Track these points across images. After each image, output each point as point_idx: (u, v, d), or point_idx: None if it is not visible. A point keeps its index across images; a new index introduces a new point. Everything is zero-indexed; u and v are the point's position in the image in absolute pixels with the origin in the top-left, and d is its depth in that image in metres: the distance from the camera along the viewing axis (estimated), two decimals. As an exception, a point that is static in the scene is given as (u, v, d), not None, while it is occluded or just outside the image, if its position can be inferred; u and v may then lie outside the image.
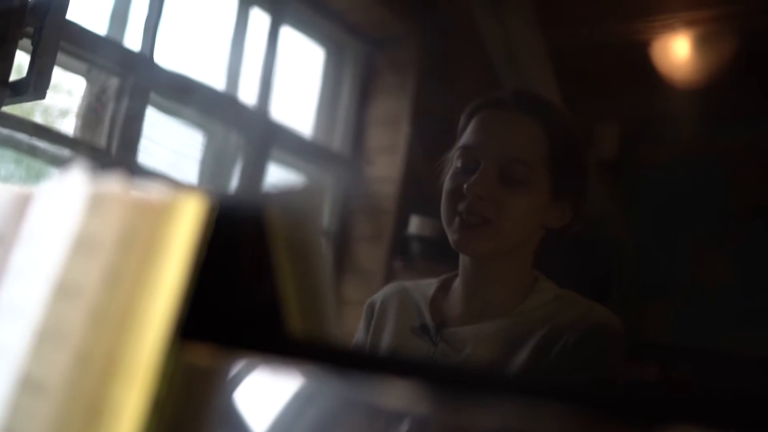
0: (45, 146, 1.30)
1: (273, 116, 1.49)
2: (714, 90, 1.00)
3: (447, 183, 0.88)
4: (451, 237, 0.86)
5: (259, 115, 1.50)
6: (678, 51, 1.01)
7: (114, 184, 0.40)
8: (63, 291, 0.39)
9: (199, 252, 0.38)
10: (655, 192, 1.07)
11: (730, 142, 0.99)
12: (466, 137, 0.89)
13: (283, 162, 1.53)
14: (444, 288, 0.91)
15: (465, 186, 0.84)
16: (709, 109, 1.01)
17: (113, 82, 1.35)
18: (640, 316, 0.94)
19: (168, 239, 0.38)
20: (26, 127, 1.29)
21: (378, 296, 0.95)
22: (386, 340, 0.90)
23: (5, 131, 1.25)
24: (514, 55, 1.13)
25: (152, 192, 0.39)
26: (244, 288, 0.41)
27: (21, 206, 0.47)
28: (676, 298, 1.03)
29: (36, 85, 1.02)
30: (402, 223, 1.34)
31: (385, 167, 1.41)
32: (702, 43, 1.00)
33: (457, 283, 0.89)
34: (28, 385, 0.39)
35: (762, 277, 0.93)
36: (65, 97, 1.37)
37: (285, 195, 0.43)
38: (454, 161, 0.89)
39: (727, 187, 0.99)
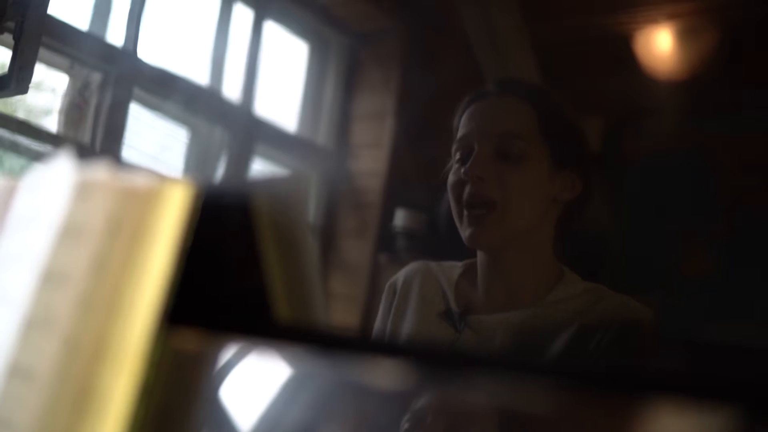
0: (28, 143, 1.30)
1: (257, 111, 1.49)
2: (698, 83, 1.01)
3: (450, 179, 0.87)
4: (464, 234, 0.84)
5: (243, 110, 1.50)
6: (662, 43, 1.02)
7: (100, 171, 0.40)
8: (51, 278, 0.39)
9: (186, 238, 0.38)
10: (639, 185, 1.08)
11: (714, 135, 1.00)
12: (459, 131, 0.89)
13: (268, 156, 1.53)
14: (468, 273, 0.89)
15: (463, 171, 0.84)
16: (693, 102, 1.02)
17: (96, 77, 1.34)
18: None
19: (155, 225, 0.38)
20: (9, 123, 1.28)
21: (399, 275, 0.94)
22: (408, 323, 0.88)
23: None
24: (498, 48, 1.14)
25: (139, 179, 0.39)
26: (231, 274, 0.41)
27: (5, 197, 0.47)
28: (661, 290, 1.04)
29: (18, 79, 1.01)
30: (387, 216, 1.34)
31: (370, 161, 1.41)
32: (686, 36, 1.01)
33: (478, 274, 0.87)
34: (17, 371, 0.39)
35: (747, 269, 0.95)
36: (48, 96, 1.36)
37: (271, 182, 0.43)
38: (453, 159, 0.89)
39: (712, 180, 1.00)
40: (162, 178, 0.40)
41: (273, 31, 1.49)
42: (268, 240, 0.41)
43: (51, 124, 1.37)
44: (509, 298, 0.84)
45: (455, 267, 0.90)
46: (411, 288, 0.91)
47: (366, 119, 1.42)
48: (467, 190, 0.84)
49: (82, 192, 0.40)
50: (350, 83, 1.44)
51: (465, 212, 0.84)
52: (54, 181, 0.41)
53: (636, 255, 1.06)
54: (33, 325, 0.39)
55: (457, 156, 0.87)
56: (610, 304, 0.80)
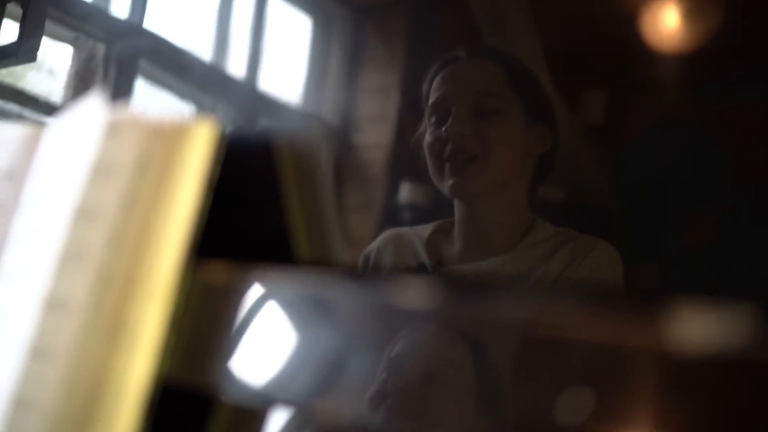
0: (33, 115, 1.30)
1: (261, 85, 1.49)
2: (702, 57, 1.01)
3: (427, 140, 0.91)
4: (445, 186, 0.88)
5: (247, 85, 1.50)
6: (666, 17, 1.03)
7: (130, 110, 0.41)
8: (83, 214, 0.41)
9: (212, 175, 0.40)
10: (642, 158, 1.09)
11: (718, 109, 1.01)
12: (432, 95, 0.93)
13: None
14: (440, 230, 0.92)
15: (443, 130, 0.87)
16: (696, 76, 1.03)
17: (101, 49, 1.35)
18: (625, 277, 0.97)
19: (183, 162, 0.40)
20: (14, 95, 1.28)
21: (372, 246, 0.96)
22: None
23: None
24: (501, 24, 1.15)
25: (167, 117, 0.40)
26: (254, 211, 0.42)
27: (32, 143, 0.48)
28: (662, 262, 1.05)
29: (27, 47, 1.02)
30: (392, 191, 1.35)
31: (375, 135, 1.42)
32: (690, 9, 1.02)
33: (455, 227, 0.91)
34: (52, 304, 0.40)
35: (749, 242, 0.95)
36: (53, 68, 1.37)
37: (293, 130, 0.45)
38: (427, 122, 0.92)
39: (716, 154, 1.01)
40: (189, 118, 0.41)
41: (276, 5, 1.49)
42: (289, 179, 0.42)
43: (56, 96, 1.38)
44: (483, 248, 0.88)
45: (426, 227, 0.94)
46: (384, 255, 0.95)
47: (371, 93, 1.43)
48: (449, 147, 0.87)
49: (112, 131, 0.41)
50: (355, 57, 1.45)
51: (447, 165, 0.87)
52: (84, 121, 0.42)
53: (637, 228, 1.07)
54: (67, 259, 0.41)
55: (433, 119, 0.91)
56: (576, 245, 0.83)
